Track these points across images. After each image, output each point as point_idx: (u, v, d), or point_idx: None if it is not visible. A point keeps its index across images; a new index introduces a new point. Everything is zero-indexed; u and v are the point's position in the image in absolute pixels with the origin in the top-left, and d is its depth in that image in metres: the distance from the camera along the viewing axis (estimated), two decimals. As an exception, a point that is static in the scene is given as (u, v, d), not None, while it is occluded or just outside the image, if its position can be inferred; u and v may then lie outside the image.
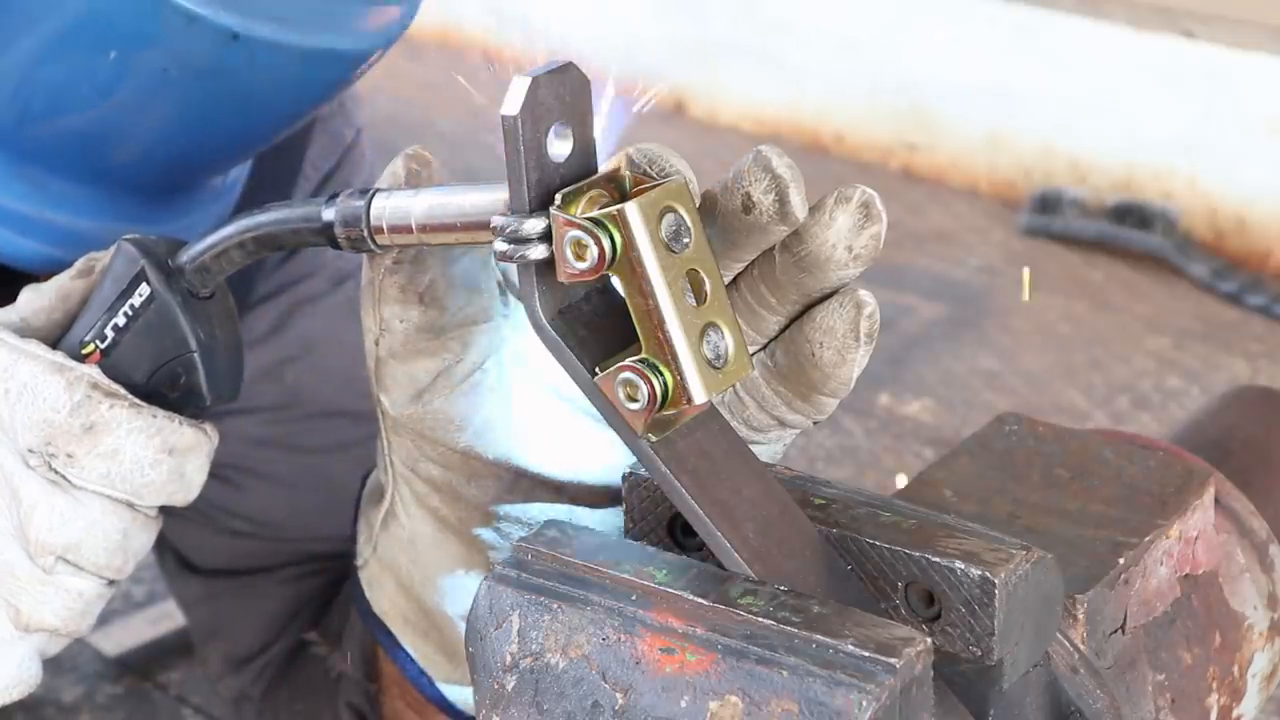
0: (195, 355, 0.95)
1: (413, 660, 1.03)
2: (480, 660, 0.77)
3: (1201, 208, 2.96)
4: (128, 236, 0.96)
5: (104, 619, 1.61)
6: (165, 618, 1.63)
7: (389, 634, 1.04)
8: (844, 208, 0.82)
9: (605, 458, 0.92)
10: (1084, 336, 2.53)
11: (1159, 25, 3.04)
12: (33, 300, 0.99)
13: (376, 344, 0.93)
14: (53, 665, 1.56)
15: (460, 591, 0.99)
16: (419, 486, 0.97)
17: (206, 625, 1.50)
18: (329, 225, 0.86)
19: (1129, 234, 2.92)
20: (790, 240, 0.82)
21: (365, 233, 0.85)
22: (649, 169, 0.81)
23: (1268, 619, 0.97)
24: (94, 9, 1.02)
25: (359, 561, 1.04)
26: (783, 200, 0.80)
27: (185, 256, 0.94)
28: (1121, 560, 0.87)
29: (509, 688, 0.76)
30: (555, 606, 0.75)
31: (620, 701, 0.73)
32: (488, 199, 0.82)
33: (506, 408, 0.93)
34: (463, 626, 0.98)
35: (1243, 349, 2.53)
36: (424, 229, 0.84)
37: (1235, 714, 0.96)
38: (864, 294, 0.84)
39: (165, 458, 0.94)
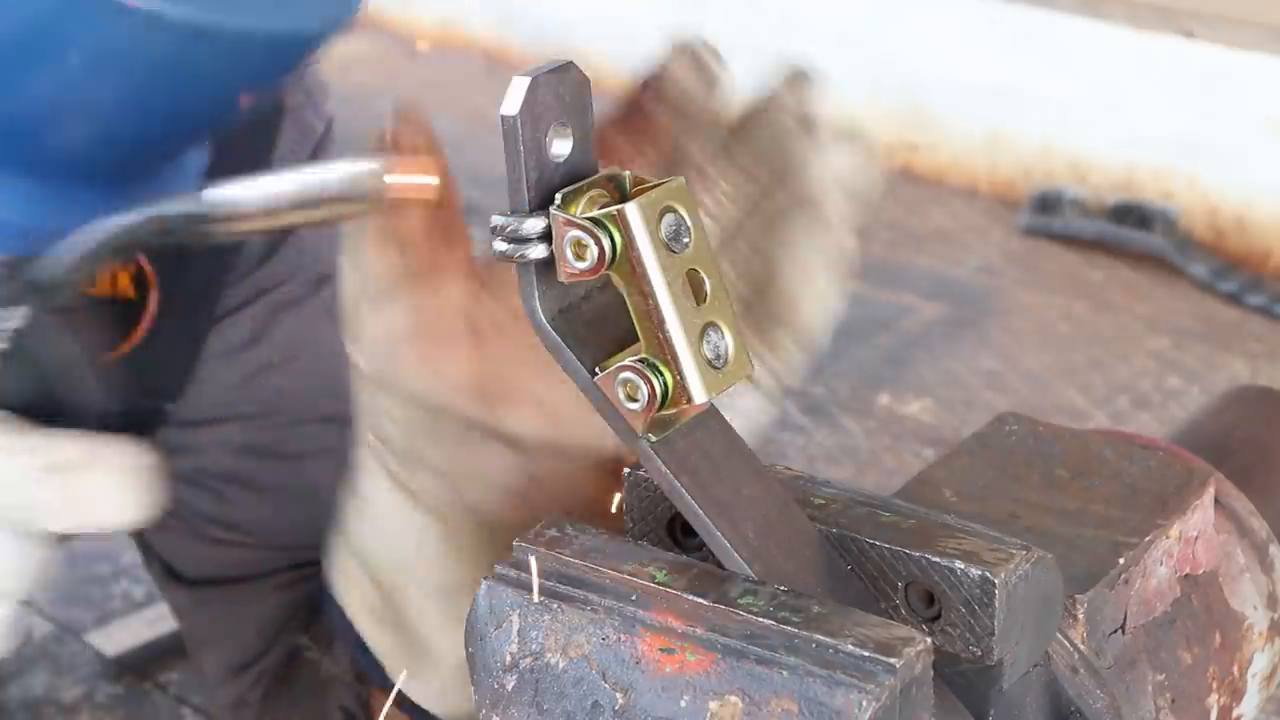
0: (71, 367, 0.94)
1: (371, 654, 1.03)
2: (480, 660, 0.77)
3: (1201, 208, 2.96)
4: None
5: (104, 619, 1.61)
6: (165, 618, 1.63)
7: (350, 626, 1.03)
8: (780, 82, 0.84)
9: (577, 418, 0.91)
10: (1084, 336, 2.53)
11: (1159, 25, 3.04)
12: None
13: (354, 290, 0.93)
14: (52, 665, 1.56)
15: (422, 565, 0.98)
16: (386, 458, 0.96)
17: (199, 634, 1.49)
18: (176, 218, 0.86)
19: (1129, 234, 2.92)
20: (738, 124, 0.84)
21: (207, 224, 0.86)
22: (691, 69, 0.82)
23: (1268, 619, 0.97)
24: None
25: (333, 554, 1.04)
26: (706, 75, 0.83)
27: (50, 270, 0.93)
28: (1121, 560, 0.87)
29: (509, 688, 0.76)
30: (555, 606, 0.75)
31: (620, 701, 0.73)
32: (331, 173, 0.82)
33: (482, 363, 0.92)
34: (421, 604, 0.98)
35: (1243, 349, 2.53)
36: (268, 214, 0.84)
37: (1235, 714, 0.96)
38: (831, 212, 0.83)
39: (48, 476, 0.92)
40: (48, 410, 0.94)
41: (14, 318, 0.93)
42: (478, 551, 0.96)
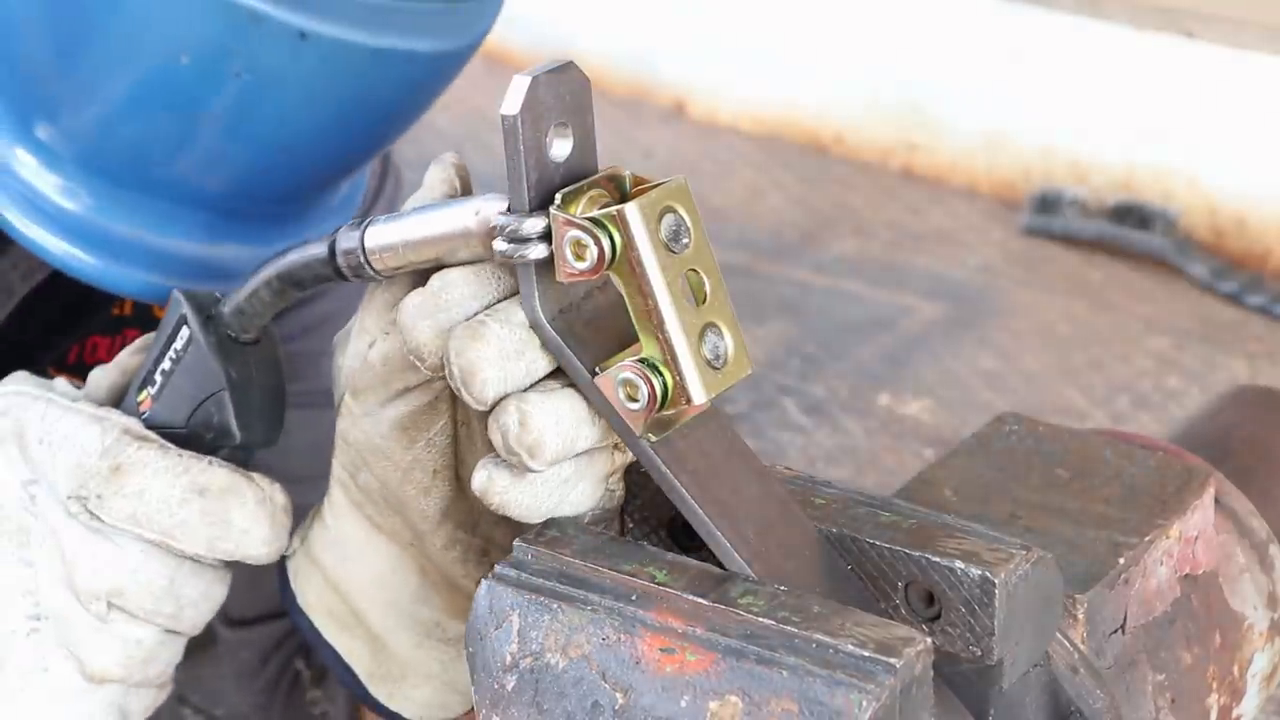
0: (225, 393, 0.96)
1: (339, 657, 1.03)
2: (480, 660, 0.77)
3: (1201, 208, 2.96)
4: (180, 289, 0.98)
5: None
6: (165, 618, 1.62)
7: (315, 629, 1.03)
8: None
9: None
10: (1084, 336, 2.53)
11: (1159, 25, 3.04)
12: (98, 379, 1.01)
13: (370, 347, 0.93)
14: (53, 665, 1.55)
15: (386, 591, 0.99)
16: (355, 494, 0.97)
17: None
18: (333, 257, 0.88)
19: (1129, 234, 2.92)
20: None
21: (363, 259, 0.87)
22: None
23: (1268, 619, 0.97)
24: (157, 13, 1.03)
25: (287, 552, 1.04)
26: None
27: (226, 302, 0.96)
28: (1121, 560, 0.87)
29: (509, 688, 0.76)
30: (555, 606, 0.75)
31: (620, 701, 0.73)
32: (462, 210, 0.83)
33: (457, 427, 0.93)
34: (390, 623, 0.98)
35: (1243, 349, 2.53)
36: (409, 247, 0.85)
37: (1235, 714, 0.96)
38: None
39: (194, 497, 0.94)
40: (196, 434, 0.97)
41: (179, 340, 0.97)
42: (446, 587, 0.97)
